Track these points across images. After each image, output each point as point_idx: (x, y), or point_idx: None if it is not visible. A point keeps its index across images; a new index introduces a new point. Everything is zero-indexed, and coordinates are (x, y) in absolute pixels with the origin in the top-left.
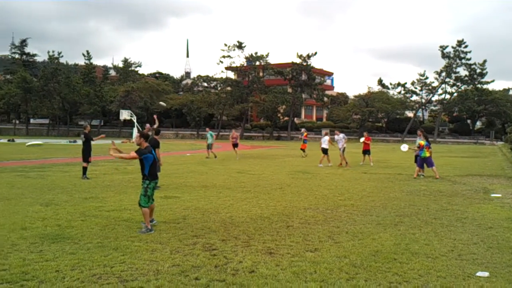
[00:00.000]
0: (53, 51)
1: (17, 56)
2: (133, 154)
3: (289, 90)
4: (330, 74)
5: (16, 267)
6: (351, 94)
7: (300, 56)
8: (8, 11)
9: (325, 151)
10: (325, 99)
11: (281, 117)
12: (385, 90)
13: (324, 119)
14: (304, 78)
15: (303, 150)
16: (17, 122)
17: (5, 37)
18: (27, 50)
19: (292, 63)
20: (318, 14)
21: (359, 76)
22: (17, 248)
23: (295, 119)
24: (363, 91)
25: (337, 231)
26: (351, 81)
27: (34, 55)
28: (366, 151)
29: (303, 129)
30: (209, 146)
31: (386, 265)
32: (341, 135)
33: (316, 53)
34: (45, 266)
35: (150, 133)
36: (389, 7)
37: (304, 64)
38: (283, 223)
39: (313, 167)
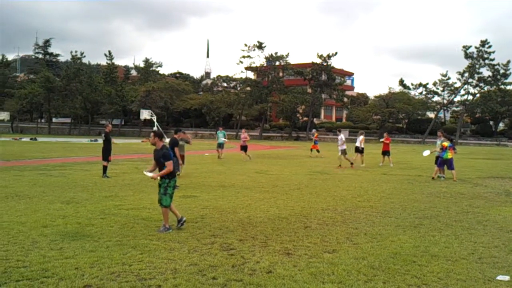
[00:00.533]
0: (75, 51)
1: (40, 56)
2: (169, 162)
3: (309, 90)
4: (350, 74)
5: (36, 264)
6: (371, 94)
7: (320, 56)
8: (32, 12)
9: (359, 150)
10: (345, 99)
11: (300, 117)
12: (406, 90)
13: (344, 120)
14: (324, 78)
15: (316, 150)
16: (40, 121)
17: (29, 37)
18: (50, 50)
19: (312, 63)
20: (339, 13)
21: (379, 76)
22: (37, 245)
23: (315, 119)
24: (383, 91)
25: (355, 233)
26: (371, 81)
27: (57, 55)
28: (385, 152)
29: (314, 130)
30: (220, 145)
31: (405, 267)
32: (341, 135)
33: (336, 53)
34: (65, 263)
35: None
36: (412, 7)
37: (324, 64)
38: (301, 223)
39: (331, 168)
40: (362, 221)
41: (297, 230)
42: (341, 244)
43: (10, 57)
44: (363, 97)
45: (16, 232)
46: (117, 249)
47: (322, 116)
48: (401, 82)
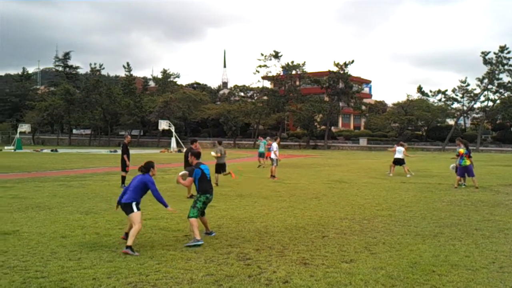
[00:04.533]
0: (95, 63)
1: (60, 68)
2: (189, 179)
3: (326, 98)
4: (368, 82)
5: (55, 274)
6: (389, 102)
7: (337, 64)
8: (53, 25)
9: (398, 161)
10: (363, 107)
11: (318, 126)
12: (424, 97)
13: (362, 128)
14: (341, 87)
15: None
16: (61, 132)
17: (50, 50)
18: (70, 62)
19: (329, 71)
20: (355, 22)
21: (397, 83)
22: (56, 255)
23: (332, 127)
24: (402, 99)
25: (373, 242)
26: (389, 89)
27: (77, 67)
28: (397, 161)
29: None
30: (261, 154)
31: (424, 277)
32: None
33: (353, 61)
34: (83, 273)
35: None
36: (430, 14)
37: (341, 72)
38: (318, 233)
39: (350, 177)
40: (380, 230)
41: (314, 239)
42: (359, 254)
43: (31, 70)
44: (381, 105)
45: (36, 243)
46: (134, 259)
47: (340, 124)
48: (420, 89)
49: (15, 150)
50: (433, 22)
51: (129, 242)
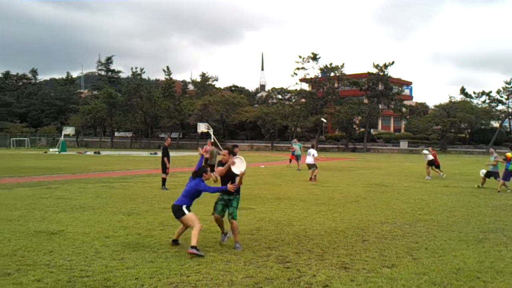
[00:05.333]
0: (136, 67)
1: (103, 72)
2: (220, 168)
3: (365, 100)
4: (408, 84)
5: (99, 273)
6: (431, 104)
7: (376, 66)
8: (96, 30)
9: (430, 162)
10: (403, 109)
11: (356, 129)
12: (468, 99)
13: (403, 130)
14: (380, 88)
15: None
16: (103, 135)
17: (93, 55)
18: (112, 67)
19: (368, 73)
20: (394, 23)
21: (439, 85)
22: (100, 255)
23: (372, 130)
24: (444, 100)
25: (415, 247)
26: (431, 90)
27: (119, 71)
28: (431, 163)
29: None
30: (298, 158)
31: (468, 283)
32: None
33: (393, 62)
34: (126, 273)
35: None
36: (474, 13)
37: (381, 74)
38: (358, 237)
39: (390, 180)
40: (422, 235)
41: (354, 243)
42: (401, 259)
43: (75, 74)
44: (422, 107)
45: (80, 243)
46: (175, 260)
47: (379, 126)
48: (462, 91)
49: (59, 152)
50: (477, 22)
51: (193, 242)
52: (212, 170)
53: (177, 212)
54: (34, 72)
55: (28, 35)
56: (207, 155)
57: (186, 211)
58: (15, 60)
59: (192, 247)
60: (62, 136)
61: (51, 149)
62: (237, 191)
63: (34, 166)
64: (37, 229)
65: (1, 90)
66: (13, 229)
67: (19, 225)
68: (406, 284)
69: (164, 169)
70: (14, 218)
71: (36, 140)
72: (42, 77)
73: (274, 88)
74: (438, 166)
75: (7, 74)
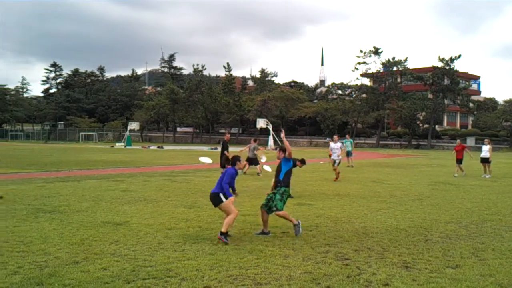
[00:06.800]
0: (197, 64)
1: (166, 69)
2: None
3: (430, 95)
4: (476, 78)
5: (161, 264)
6: (500, 99)
7: (442, 60)
8: (160, 28)
9: (484, 160)
10: (471, 104)
11: (420, 125)
12: None
13: (470, 127)
14: (446, 83)
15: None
16: (166, 130)
17: (156, 52)
18: (174, 64)
19: (433, 67)
20: (461, 15)
21: (510, 79)
22: (162, 246)
23: (437, 126)
24: None
25: (481, 248)
26: (500, 85)
27: (181, 68)
28: (458, 161)
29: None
30: (349, 154)
31: None
32: (338, 144)
33: (459, 55)
34: (187, 264)
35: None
36: None
37: (447, 67)
38: (421, 236)
39: (455, 178)
40: (489, 236)
41: (416, 242)
42: (466, 260)
43: (139, 71)
44: (491, 102)
45: (144, 234)
46: (234, 253)
47: (445, 123)
48: None
49: (125, 146)
50: None
51: (224, 228)
52: (250, 163)
53: (215, 199)
54: (101, 69)
55: (97, 34)
56: (245, 149)
57: (223, 199)
58: (84, 58)
59: (222, 233)
60: (128, 131)
61: (117, 144)
62: (282, 183)
63: (101, 159)
64: (104, 220)
65: (70, 87)
66: (82, 219)
67: (87, 216)
68: (470, 286)
69: (223, 164)
70: (82, 209)
71: (103, 134)
72: (109, 74)
73: (334, 83)
74: (460, 161)
75: (76, 72)
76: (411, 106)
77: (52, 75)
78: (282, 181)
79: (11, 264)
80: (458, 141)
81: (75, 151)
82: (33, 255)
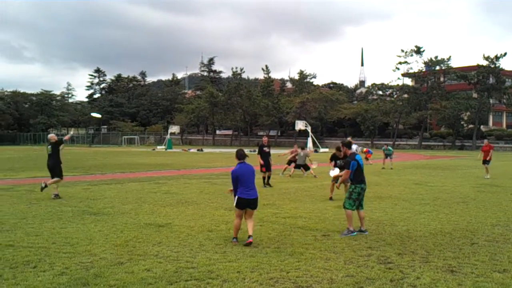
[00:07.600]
0: (236, 67)
1: (205, 73)
2: (345, 171)
3: (474, 95)
4: None
5: (203, 265)
6: None
7: (487, 58)
8: (200, 33)
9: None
10: None
11: (464, 125)
12: None
13: None
14: (491, 82)
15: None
16: (206, 133)
17: (196, 56)
18: (213, 67)
19: (478, 65)
20: (506, 10)
21: None
22: (204, 248)
23: (482, 126)
24: None
25: None
26: None
27: (220, 72)
28: (485, 161)
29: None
30: (388, 156)
31: None
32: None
33: (505, 53)
34: (228, 266)
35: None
36: None
37: (492, 66)
38: (466, 239)
39: (502, 180)
40: None
41: (462, 246)
42: None
43: (180, 75)
44: None
45: (186, 235)
46: (275, 256)
47: (490, 123)
48: None
49: (166, 149)
50: None
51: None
52: (299, 168)
53: (257, 203)
54: (143, 74)
55: (138, 39)
56: (291, 156)
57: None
58: (126, 63)
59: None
60: (168, 134)
61: (158, 147)
62: (353, 180)
63: (143, 162)
64: (147, 222)
65: (113, 92)
66: (125, 221)
67: (131, 218)
68: None
69: (260, 167)
70: (126, 211)
71: (145, 138)
72: (150, 79)
73: (374, 84)
74: (487, 162)
75: (119, 77)
76: (455, 106)
77: (96, 80)
78: (352, 179)
79: (58, 265)
80: (486, 141)
81: (118, 154)
82: (79, 256)
